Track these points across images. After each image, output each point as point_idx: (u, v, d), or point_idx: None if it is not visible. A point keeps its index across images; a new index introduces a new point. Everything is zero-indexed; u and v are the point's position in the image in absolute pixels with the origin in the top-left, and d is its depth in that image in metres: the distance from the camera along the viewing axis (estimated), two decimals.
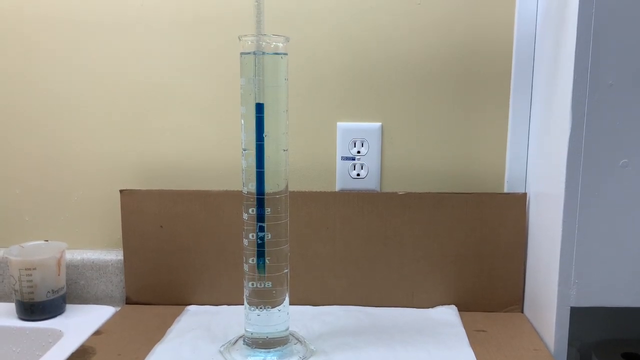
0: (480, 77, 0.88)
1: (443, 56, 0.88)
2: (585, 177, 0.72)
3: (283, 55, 0.68)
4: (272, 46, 0.68)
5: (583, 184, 0.72)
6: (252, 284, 0.71)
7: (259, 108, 0.68)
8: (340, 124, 0.91)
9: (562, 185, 0.72)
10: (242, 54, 0.68)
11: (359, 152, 0.91)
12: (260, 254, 0.70)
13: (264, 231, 0.70)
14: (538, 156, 0.84)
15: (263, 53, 0.67)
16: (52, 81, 0.92)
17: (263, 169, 0.69)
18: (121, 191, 0.89)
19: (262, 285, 0.71)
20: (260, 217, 0.70)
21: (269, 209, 0.70)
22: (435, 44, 0.88)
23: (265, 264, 0.71)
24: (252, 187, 0.70)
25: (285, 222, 0.72)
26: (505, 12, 0.86)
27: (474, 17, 0.87)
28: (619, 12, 0.69)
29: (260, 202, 0.70)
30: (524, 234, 0.87)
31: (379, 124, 0.90)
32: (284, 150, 0.71)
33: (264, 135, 0.68)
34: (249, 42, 0.67)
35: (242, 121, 0.69)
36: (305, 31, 0.88)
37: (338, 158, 0.91)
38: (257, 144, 0.69)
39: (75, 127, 0.93)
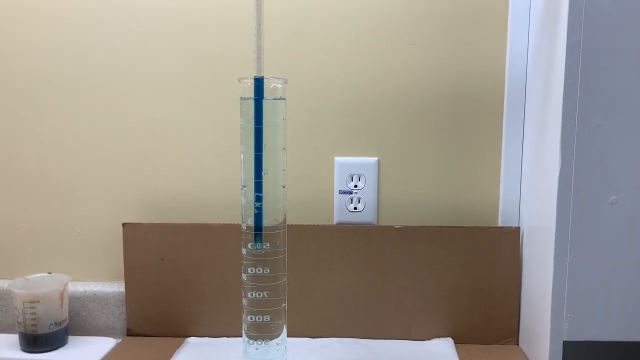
0: (473, 114, 0.91)
1: (437, 94, 0.91)
2: (576, 213, 0.73)
3: (281, 99, 0.71)
4: (271, 87, 0.70)
5: (573, 219, 0.73)
6: (251, 318, 0.73)
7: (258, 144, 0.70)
8: (337, 158, 0.93)
9: (553, 221, 0.74)
10: (242, 98, 0.70)
11: (356, 186, 0.93)
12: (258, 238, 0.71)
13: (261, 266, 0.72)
14: (530, 191, 0.86)
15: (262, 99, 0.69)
16: (56, 117, 0.94)
17: (262, 204, 0.71)
18: (123, 224, 0.91)
19: (261, 319, 0.72)
20: (259, 252, 0.71)
21: (267, 244, 0.72)
22: (429, 82, 0.90)
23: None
24: (251, 222, 0.71)
25: (284, 257, 0.73)
26: (497, 52, 0.89)
27: (467, 56, 0.90)
28: (606, 54, 0.71)
29: (259, 237, 0.71)
30: (518, 267, 0.88)
31: (375, 158, 0.92)
32: (283, 187, 0.72)
33: (262, 173, 0.70)
34: (249, 84, 0.70)
35: (242, 157, 0.71)
36: (304, 70, 0.91)
37: (335, 192, 0.93)
38: (255, 181, 0.70)
39: (79, 162, 0.95)
